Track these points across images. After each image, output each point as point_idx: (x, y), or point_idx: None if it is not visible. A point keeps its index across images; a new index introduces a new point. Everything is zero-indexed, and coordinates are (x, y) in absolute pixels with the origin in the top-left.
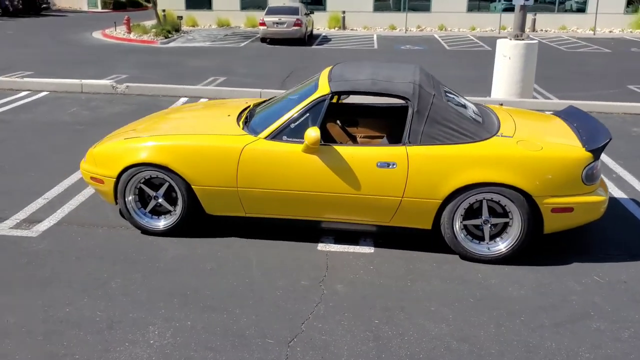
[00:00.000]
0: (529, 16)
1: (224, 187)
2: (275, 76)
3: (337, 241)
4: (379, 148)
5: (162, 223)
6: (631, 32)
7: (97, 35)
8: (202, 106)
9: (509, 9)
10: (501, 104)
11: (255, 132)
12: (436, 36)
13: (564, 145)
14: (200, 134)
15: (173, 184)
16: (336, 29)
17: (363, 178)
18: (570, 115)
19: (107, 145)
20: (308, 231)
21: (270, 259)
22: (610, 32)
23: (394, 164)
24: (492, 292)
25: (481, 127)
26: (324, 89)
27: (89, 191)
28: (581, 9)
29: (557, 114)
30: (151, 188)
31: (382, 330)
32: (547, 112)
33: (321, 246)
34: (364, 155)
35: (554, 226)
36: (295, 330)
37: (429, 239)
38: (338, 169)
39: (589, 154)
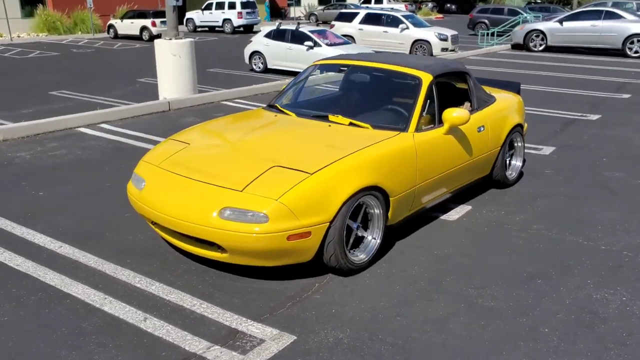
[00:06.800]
0: None
1: (409, 189)
2: None
3: (436, 212)
4: (472, 116)
5: (366, 254)
6: (37, 35)
7: None
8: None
9: None
10: None
11: (396, 129)
12: None
13: (515, 94)
14: (375, 143)
15: (374, 203)
16: None
17: (475, 144)
18: None
19: (302, 186)
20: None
21: (467, 243)
22: (19, 36)
23: (483, 127)
24: (566, 207)
25: None
26: (426, 77)
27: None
28: None
29: None
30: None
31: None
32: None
33: (446, 216)
34: (470, 125)
35: None
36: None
37: None
38: (464, 141)
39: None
